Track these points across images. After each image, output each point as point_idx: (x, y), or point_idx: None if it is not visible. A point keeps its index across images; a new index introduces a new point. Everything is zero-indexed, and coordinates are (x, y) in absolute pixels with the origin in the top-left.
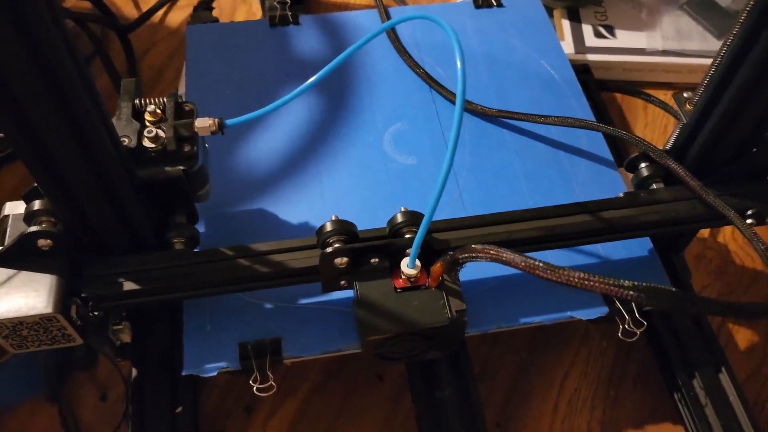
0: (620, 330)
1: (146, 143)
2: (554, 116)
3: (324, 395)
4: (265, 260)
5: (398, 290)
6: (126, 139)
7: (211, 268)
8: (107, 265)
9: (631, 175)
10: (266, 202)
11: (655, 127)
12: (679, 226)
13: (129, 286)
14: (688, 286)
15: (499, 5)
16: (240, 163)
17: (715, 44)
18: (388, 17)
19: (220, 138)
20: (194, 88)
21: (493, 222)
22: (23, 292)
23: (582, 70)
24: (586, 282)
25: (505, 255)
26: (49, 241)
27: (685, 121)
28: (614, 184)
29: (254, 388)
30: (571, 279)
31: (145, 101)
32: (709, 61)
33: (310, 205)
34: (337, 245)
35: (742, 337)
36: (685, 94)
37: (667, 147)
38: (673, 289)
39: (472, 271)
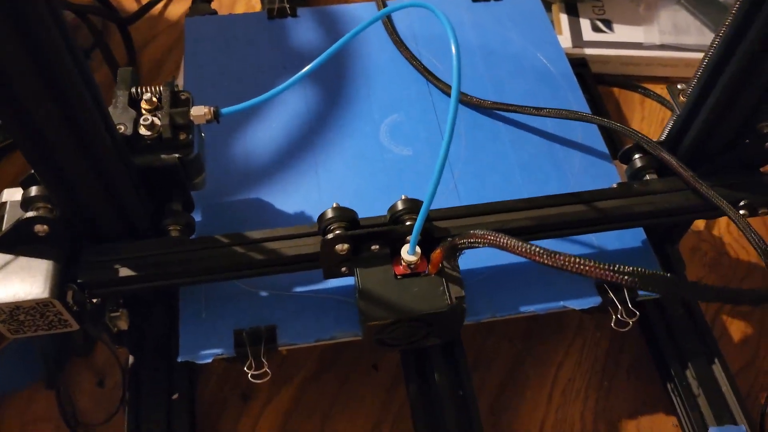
0: (613, 320)
1: (142, 131)
2: (548, 108)
3: (319, 384)
4: (265, 247)
5: (398, 277)
6: (122, 127)
7: (208, 254)
8: (103, 251)
9: (625, 167)
10: (263, 192)
11: (652, 121)
12: (672, 216)
13: (125, 272)
14: (682, 278)
15: None
16: (237, 153)
17: (712, 39)
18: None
19: (218, 129)
20: (193, 79)
21: (490, 211)
22: (20, 278)
23: (579, 64)
24: (582, 266)
25: (503, 240)
26: (45, 226)
27: (678, 113)
28: (609, 176)
29: (249, 375)
30: (567, 263)
31: (141, 90)
32: None
33: (307, 195)
34: (338, 232)
35: (736, 329)
36: (678, 86)
37: (661, 139)
38: (668, 274)
39: (466, 261)
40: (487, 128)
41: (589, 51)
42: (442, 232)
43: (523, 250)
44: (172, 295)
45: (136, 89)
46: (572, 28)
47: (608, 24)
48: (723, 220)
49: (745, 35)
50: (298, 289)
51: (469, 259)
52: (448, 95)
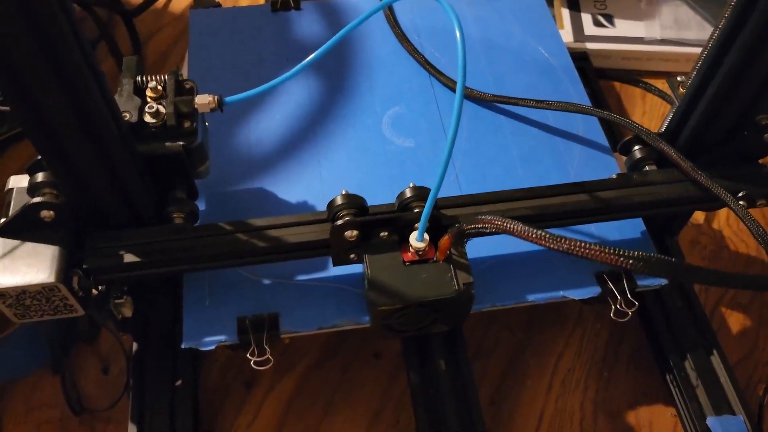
0: (612, 310)
1: (147, 118)
2: (548, 101)
3: (322, 372)
4: (270, 234)
5: (407, 263)
6: (127, 114)
7: (212, 241)
8: (108, 237)
9: (625, 159)
10: (266, 181)
11: (653, 115)
12: (671, 207)
13: (129, 258)
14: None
15: None
16: (240, 143)
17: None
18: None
19: (221, 120)
20: (197, 71)
21: (493, 200)
22: (26, 262)
23: (580, 58)
24: (589, 250)
25: (511, 225)
26: (51, 212)
27: (678, 104)
28: (609, 169)
29: (252, 362)
30: (573, 248)
31: (146, 78)
32: None
33: (309, 185)
34: (347, 218)
35: (735, 321)
36: (678, 78)
37: (661, 130)
38: (673, 259)
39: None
40: (488, 121)
41: (590, 45)
42: (450, 219)
43: (530, 234)
44: (176, 283)
45: (141, 78)
46: (574, 23)
47: (609, 18)
48: (722, 214)
49: (742, 27)
50: (301, 277)
51: (470, 250)
52: (450, 88)
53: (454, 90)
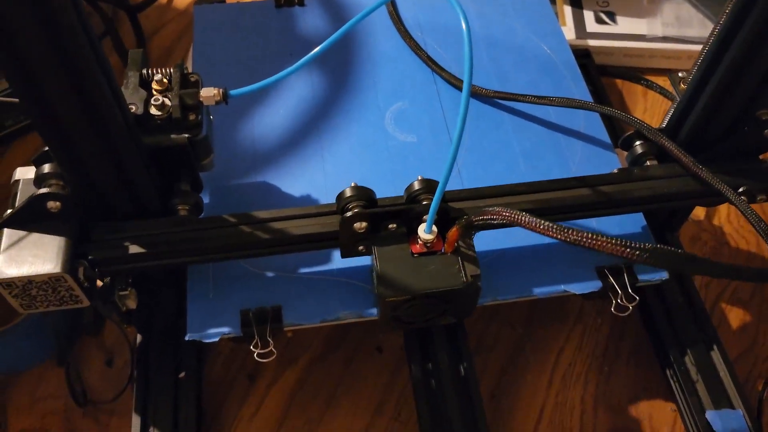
0: (613, 305)
1: (153, 111)
2: (550, 97)
3: (324, 365)
4: (279, 226)
5: (415, 255)
6: (133, 106)
7: (217, 233)
8: (114, 229)
9: (626, 154)
10: (269, 175)
11: (655, 112)
12: (671, 201)
13: (134, 249)
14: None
15: None
16: (245, 137)
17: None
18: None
19: (226, 114)
20: (201, 67)
21: (496, 194)
22: (33, 253)
23: (582, 55)
24: (596, 241)
25: (518, 217)
26: (57, 203)
27: (679, 100)
28: (611, 164)
29: (255, 354)
30: (580, 239)
31: (152, 71)
32: None
33: (312, 180)
34: (357, 210)
35: (735, 316)
36: (679, 74)
37: (662, 126)
38: (679, 250)
39: None
40: (490, 117)
41: (592, 42)
42: (458, 212)
43: (539, 225)
44: (180, 275)
45: (147, 70)
46: (576, 20)
47: (612, 16)
48: (723, 210)
49: (743, 23)
50: (304, 270)
51: None
52: (453, 84)
53: (456, 86)
